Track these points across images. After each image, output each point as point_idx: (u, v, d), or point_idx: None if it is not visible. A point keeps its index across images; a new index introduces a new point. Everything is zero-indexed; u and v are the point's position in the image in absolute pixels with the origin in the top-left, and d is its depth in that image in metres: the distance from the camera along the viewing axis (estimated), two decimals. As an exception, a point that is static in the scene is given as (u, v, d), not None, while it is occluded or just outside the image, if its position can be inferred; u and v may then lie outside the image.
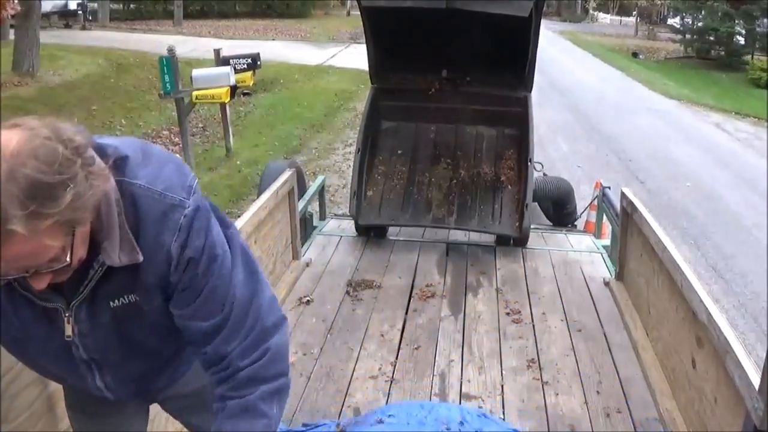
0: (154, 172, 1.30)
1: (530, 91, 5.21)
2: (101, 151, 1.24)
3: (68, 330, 1.35)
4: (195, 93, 9.15)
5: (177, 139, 11.27)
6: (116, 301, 1.35)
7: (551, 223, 6.69)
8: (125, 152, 1.29)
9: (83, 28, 25.15)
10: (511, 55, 4.98)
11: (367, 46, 5.25)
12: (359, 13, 5.01)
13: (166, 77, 8.94)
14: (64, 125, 1.14)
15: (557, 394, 3.23)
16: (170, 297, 1.39)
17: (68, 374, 1.49)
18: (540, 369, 3.45)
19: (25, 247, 1.08)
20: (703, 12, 28.78)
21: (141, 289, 1.35)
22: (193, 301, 1.39)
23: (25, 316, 1.34)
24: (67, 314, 1.33)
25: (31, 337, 1.38)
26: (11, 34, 16.29)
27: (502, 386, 3.30)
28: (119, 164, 1.27)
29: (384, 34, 5.07)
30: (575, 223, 6.79)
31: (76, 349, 1.40)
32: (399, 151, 5.46)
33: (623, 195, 4.27)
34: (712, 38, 28.00)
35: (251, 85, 10.56)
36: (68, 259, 1.16)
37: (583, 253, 5.18)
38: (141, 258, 1.27)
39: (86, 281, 1.29)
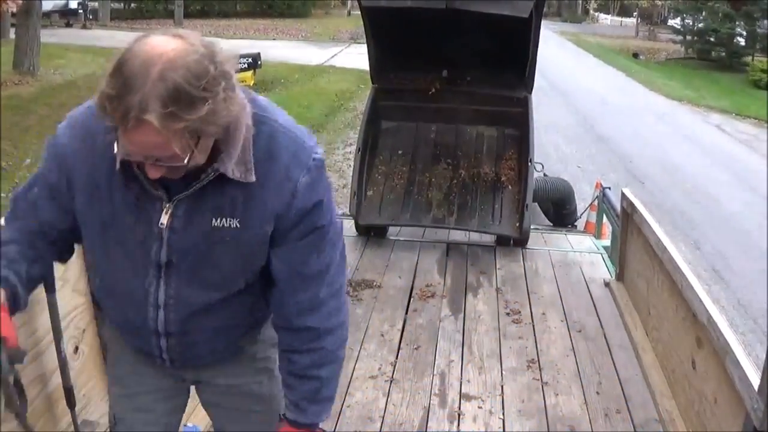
0: (290, 121, 1.48)
1: (531, 92, 5.20)
2: (246, 90, 1.37)
3: (164, 218, 1.40)
4: (195, 92, 9.14)
5: (177, 138, 11.27)
6: (219, 220, 1.41)
7: (551, 224, 6.69)
8: (265, 100, 1.48)
9: (84, 27, 25.18)
10: (511, 55, 4.98)
11: (367, 46, 5.25)
12: (360, 13, 5.01)
13: (167, 77, 8.94)
14: (220, 50, 1.26)
15: (557, 395, 3.23)
16: (281, 232, 1.45)
17: (135, 278, 1.48)
18: (540, 369, 3.45)
19: (154, 139, 1.21)
20: (703, 13, 28.82)
21: (250, 216, 1.41)
22: (307, 242, 1.47)
23: (123, 200, 1.41)
24: (167, 204, 1.39)
25: (119, 224, 1.43)
26: (12, 33, 16.31)
27: (502, 386, 3.30)
28: (260, 103, 1.43)
29: (384, 34, 5.07)
30: (575, 223, 6.79)
31: (158, 248, 1.43)
32: (399, 151, 5.46)
33: (623, 195, 4.27)
34: (712, 39, 28.03)
35: (252, 84, 10.58)
36: (186, 161, 1.27)
37: (583, 253, 5.18)
38: (253, 178, 1.37)
39: (196, 182, 1.37)
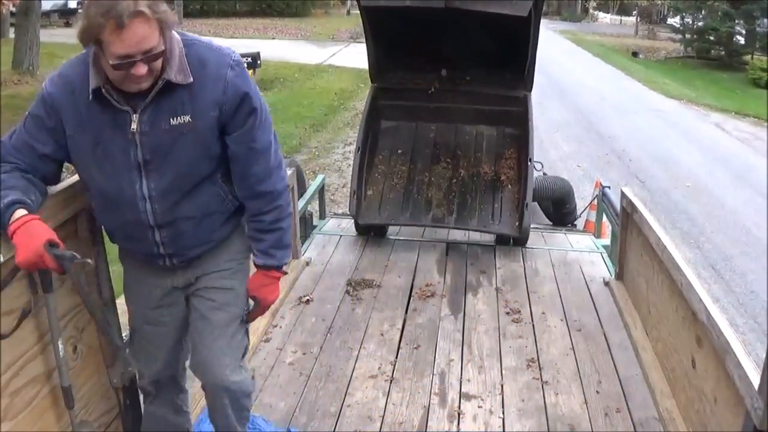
0: (209, 42, 1.99)
1: (530, 91, 5.20)
2: None
3: (134, 125, 1.83)
4: (195, 92, 9.14)
5: (177, 138, 11.27)
6: (175, 119, 1.85)
7: (551, 223, 6.69)
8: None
9: (83, 27, 25.14)
10: (510, 54, 4.98)
11: (366, 46, 5.24)
12: (359, 12, 5.00)
13: (166, 76, 8.93)
14: None
15: (557, 394, 3.23)
16: (223, 124, 1.93)
17: (123, 180, 1.89)
18: (540, 368, 3.45)
19: (145, 30, 1.69)
20: (703, 12, 28.78)
21: (197, 111, 1.87)
22: (250, 123, 1.97)
23: (102, 122, 1.84)
24: (134, 115, 1.83)
25: (103, 141, 1.85)
26: (11, 33, 16.29)
27: (502, 386, 3.30)
28: (185, 33, 1.95)
29: (384, 34, 5.06)
30: (575, 222, 6.79)
31: (135, 151, 1.86)
32: (399, 151, 5.45)
33: (623, 194, 4.27)
34: (712, 38, 27.99)
35: (251, 84, 10.55)
36: (162, 50, 1.75)
37: (582, 252, 5.18)
38: (191, 80, 1.85)
39: (152, 92, 1.82)
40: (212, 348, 2.13)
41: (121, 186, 1.89)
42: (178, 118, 1.85)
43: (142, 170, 1.88)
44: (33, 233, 1.73)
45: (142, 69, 1.73)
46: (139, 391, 2.35)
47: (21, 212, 1.75)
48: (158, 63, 1.77)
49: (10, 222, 1.74)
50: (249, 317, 2.23)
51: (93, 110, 1.83)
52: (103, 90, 1.80)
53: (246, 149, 1.98)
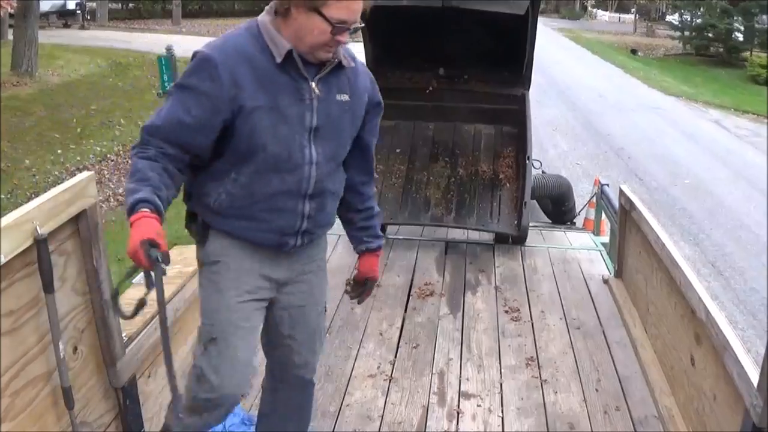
0: None
1: (528, 89, 5.20)
2: None
3: (315, 89, 1.94)
4: (193, 92, 9.14)
5: (176, 138, 11.27)
6: (340, 95, 2.01)
7: (550, 221, 6.69)
8: None
9: (82, 27, 25.18)
10: (508, 52, 4.98)
11: (364, 45, 5.24)
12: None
13: (165, 76, 8.95)
14: None
15: (556, 392, 3.23)
16: (369, 107, 2.13)
17: (294, 143, 1.96)
18: (539, 367, 3.45)
19: (362, 4, 1.88)
20: (701, 9, 28.78)
21: (354, 93, 2.05)
22: (378, 117, 2.22)
23: (282, 87, 1.92)
24: (312, 83, 1.94)
25: (280, 105, 1.92)
26: (10, 34, 16.30)
27: (501, 384, 3.30)
28: None
29: (381, 33, 5.06)
30: (574, 220, 6.79)
31: (310, 116, 1.96)
32: (397, 150, 5.46)
33: (621, 192, 4.27)
34: (710, 35, 28.01)
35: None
36: (360, 24, 1.90)
37: (581, 250, 5.18)
38: (354, 65, 2.04)
39: (326, 67, 1.96)
40: (310, 345, 2.27)
41: (292, 149, 1.96)
42: (342, 95, 2.01)
43: (311, 135, 1.98)
44: (140, 230, 1.79)
45: (346, 36, 1.89)
46: (213, 409, 2.15)
47: (143, 209, 1.80)
48: (340, 48, 1.95)
49: (134, 213, 1.81)
50: (362, 298, 2.41)
51: (275, 75, 1.91)
52: (294, 53, 1.89)
53: (372, 138, 2.21)
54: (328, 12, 1.81)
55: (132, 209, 1.81)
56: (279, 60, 1.88)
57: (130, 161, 1.94)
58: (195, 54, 1.93)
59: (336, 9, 1.82)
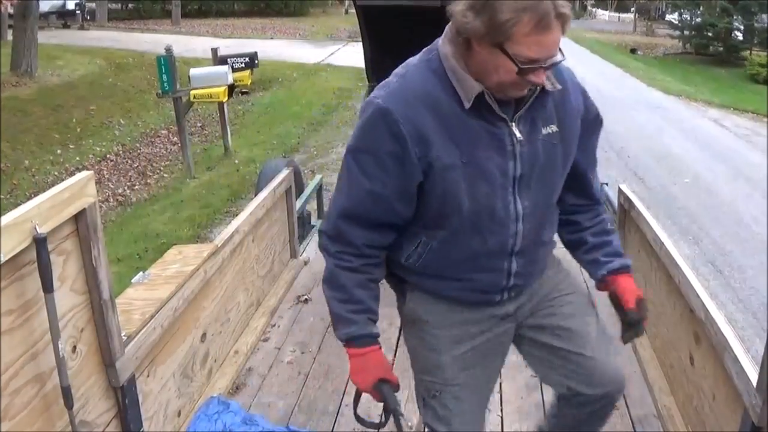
0: None
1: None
2: None
3: (516, 132, 1.63)
4: (193, 92, 9.16)
5: (176, 138, 11.30)
6: (546, 128, 1.68)
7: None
8: None
9: (81, 28, 25.19)
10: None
11: (362, 45, 5.24)
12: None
13: (164, 77, 8.95)
14: None
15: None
16: (585, 127, 1.79)
17: (497, 199, 1.67)
18: (538, 366, 3.45)
19: (558, 36, 1.50)
20: (701, 8, 28.80)
21: (563, 120, 1.70)
22: (597, 133, 1.88)
23: (475, 134, 1.61)
24: (512, 123, 1.63)
25: (476, 157, 1.62)
26: (9, 35, 16.30)
27: (500, 384, 3.29)
28: None
29: (379, 33, 5.07)
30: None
31: (513, 164, 1.65)
32: (397, 149, 5.46)
33: (620, 191, 4.26)
34: (710, 34, 28.04)
35: (249, 84, 10.57)
36: (563, 56, 1.56)
37: (581, 249, 5.16)
38: (559, 87, 1.66)
39: (528, 100, 1.63)
40: (600, 352, 1.92)
41: (494, 207, 1.66)
42: (548, 127, 1.68)
43: (516, 187, 1.67)
44: (368, 367, 1.75)
45: (542, 77, 1.55)
46: None
47: (364, 345, 1.75)
48: (550, 71, 1.60)
49: (350, 346, 1.76)
50: (635, 335, 1.98)
51: (466, 121, 1.59)
52: (486, 95, 1.57)
53: (591, 158, 1.88)
54: (512, 49, 1.47)
55: (349, 342, 1.75)
56: (467, 105, 1.57)
57: (325, 262, 1.75)
58: (368, 105, 1.64)
59: (523, 45, 1.47)
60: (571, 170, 1.79)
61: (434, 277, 1.80)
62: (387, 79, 1.68)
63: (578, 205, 1.90)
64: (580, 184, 1.87)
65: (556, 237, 1.93)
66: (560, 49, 1.55)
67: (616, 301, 1.92)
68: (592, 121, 1.83)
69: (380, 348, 1.76)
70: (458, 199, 1.64)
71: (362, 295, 1.73)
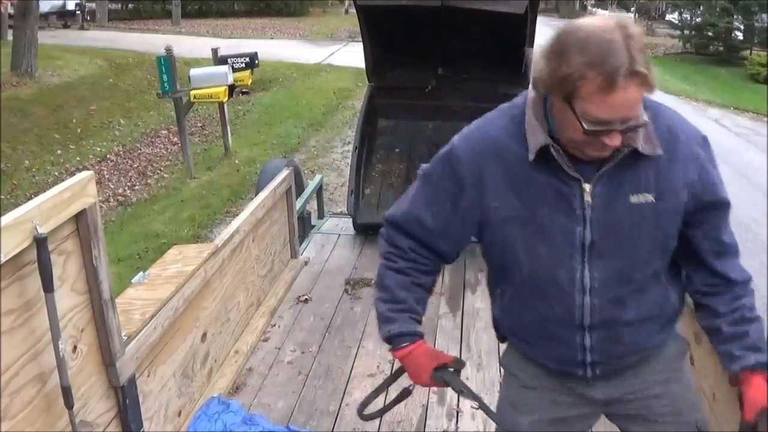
0: (676, 111, 1.59)
1: (527, 88, 5.19)
2: None
3: (587, 197, 1.48)
4: (193, 92, 9.15)
5: (176, 138, 11.30)
6: (636, 196, 1.49)
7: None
8: None
9: (81, 28, 25.19)
10: (507, 52, 4.98)
11: (363, 45, 5.25)
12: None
13: (164, 77, 8.95)
14: None
15: (555, 391, 3.23)
16: (689, 212, 1.54)
17: (560, 265, 1.54)
18: (538, 366, 3.45)
19: (635, 95, 1.33)
20: (701, 7, 28.76)
21: (663, 190, 1.49)
22: (721, 216, 1.60)
23: (539, 192, 1.50)
24: (586, 185, 1.47)
25: (537, 218, 1.51)
26: (9, 35, 16.31)
27: (500, 384, 3.29)
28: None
29: (380, 32, 5.08)
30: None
31: (582, 230, 1.51)
32: (396, 149, 5.47)
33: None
34: (710, 34, 27.99)
35: (249, 84, 10.57)
36: (644, 118, 1.39)
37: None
38: (661, 152, 1.46)
39: (612, 161, 1.45)
40: None
41: (556, 273, 1.55)
42: (639, 195, 1.48)
43: (586, 255, 1.53)
44: (419, 363, 1.66)
45: (617, 140, 1.38)
46: None
47: (406, 343, 1.66)
48: (634, 134, 1.42)
49: (397, 348, 1.69)
50: None
51: (531, 175, 1.49)
52: (552, 149, 1.45)
53: (715, 240, 1.62)
54: (579, 106, 1.34)
55: (392, 343, 1.68)
56: (531, 158, 1.46)
57: (380, 262, 1.72)
58: (451, 141, 1.63)
59: (590, 104, 1.33)
60: (689, 249, 1.61)
61: (520, 338, 1.75)
62: (475, 120, 1.63)
63: (709, 287, 1.66)
64: (704, 265, 1.64)
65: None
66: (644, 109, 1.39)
67: (741, 402, 1.67)
68: (710, 203, 1.56)
69: (424, 341, 1.69)
70: (517, 256, 1.57)
71: (405, 296, 1.67)
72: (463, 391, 1.67)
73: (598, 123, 1.34)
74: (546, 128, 1.47)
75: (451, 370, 1.67)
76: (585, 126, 1.35)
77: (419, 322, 1.69)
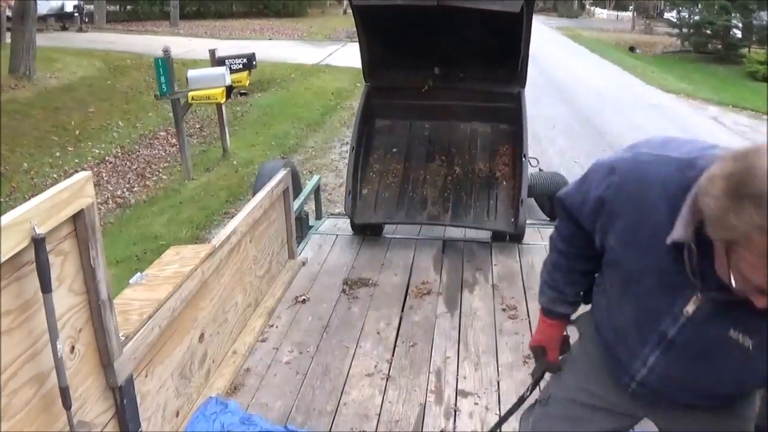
0: None
1: (524, 87, 5.21)
2: None
3: (690, 307, 1.43)
4: (191, 94, 9.16)
5: (174, 140, 11.31)
6: (736, 333, 1.39)
7: (548, 219, 6.70)
8: None
9: (80, 30, 25.18)
10: (504, 51, 4.99)
11: (359, 45, 5.25)
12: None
13: (162, 78, 8.95)
14: None
15: (552, 389, 3.24)
16: None
17: (634, 334, 1.57)
18: (536, 364, 3.46)
19: None
20: (699, 5, 28.78)
21: (762, 341, 1.37)
22: None
23: (656, 266, 1.45)
24: (698, 294, 1.40)
25: (642, 284, 1.49)
26: (8, 37, 16.31)
27: (498, 382, 3.31)
28: None
29: (376, 33, 5.08)
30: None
31: (668, 326, 1.48)
32: (393, 149, 5.47)
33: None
34: (708, 32, 28.00)
35: (247, 85, 10.57)
36: None
37: (579, 248, 5.18)
38: None
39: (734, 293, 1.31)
40: None
41: (627, 337, 1.59)
42: (740, 335, 1.39)
43: (661, 346, 1.52)
44: (542, 331, 1.94)
45: (763, 302, 1.24)
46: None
47: (546, 316, 1.91)
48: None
49: (541, 312, 1.92)
50: None
51: (657, 249, 1.40)
52: (686, 251, 1.36)
53: None
54: (735, 259, 1.22)
55: (541, 309, 1.92)
56: (668, 241, 1.36)
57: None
58: (620, 152, 1.58)
59: (747, 264, 1.20)
60: None
61: (599, 317, 1.79)
62: (648, 145, 1.53)
63: None
64: None
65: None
66: None
67: None
68: None
69: (561, 324, 1.90)
70: (608, 294, 1.67)
71: (558, 277, 1.83)
72: (533, 376, 2.05)
73: (746, 281, 1.23)
74: (697, 222, 1.31)
75: (544, 359, 1.97)
76: (734, 282, 1.25)
77: (568, 303, 1.87)
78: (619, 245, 1.52)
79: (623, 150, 1.57)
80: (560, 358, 1.97)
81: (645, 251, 1.45)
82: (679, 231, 1.34)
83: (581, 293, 1.87)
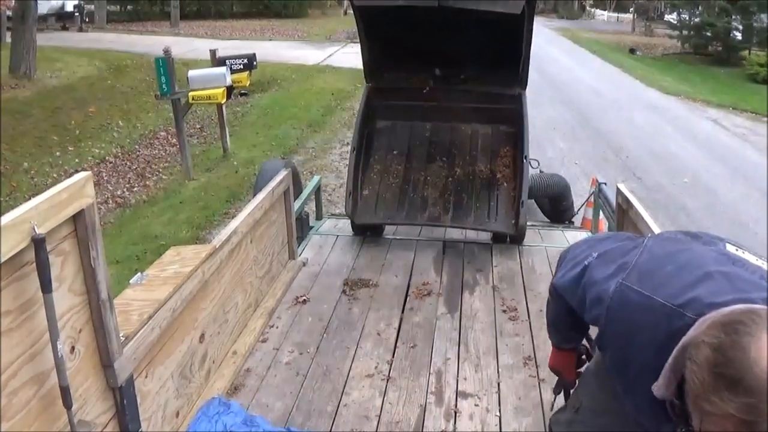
0: None
1: (525, 89, 5.21)
2: None
3: None
4: (191, 94, 9.16)
5: (174, 140, 11.31)
6: None
7: (548, 220, 6.71)
8: None
9: (80, 30, 25.19)
10: (504, 52, 4.99)
11: (360, 46, 5.25)
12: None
13: (163, 78, 8.95)
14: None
15: (553, 391, 3.24)
16: None
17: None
18: (536, 366, 3.46)
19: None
20: (700, 7, 28.79)
21: None
22: None
23: (640, 404, 1.52)
24: (681, 430, 1.37)
25: (629, 407, 1.61)
26: (8, 37, 16.31)
27: (499, 384, 3.31)
28: None
29: (377, 33, 5.08)
30: (572, 219, 6.80)
31: None
32: (394, 150, 5.47)
33: (618, 191, 4.28)
34: (709, 34, 28.01)
35: (247, 85, 10.57)
36: None
37: (579, 249, 5.17)
38: None
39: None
40: None
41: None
42: None
43: None
44: (554, 357, 2.21)
45: None
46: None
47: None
48: None
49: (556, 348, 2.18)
50: None
51: (642, 383, 1.44)
52: (669, 407, 1.39)
53: None
54: (705, 427, 1.20)
55: (559, 345, 2.19)
56: (656, 393, 1.39)
57: None
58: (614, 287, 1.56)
59: (712, 426, 1.19)
60: None
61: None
62: (637, 271, 1.54)
63: None
64: None
65: None
66: None
67: None
68: None
69: (572, 353, 2.17)
70: (590, 401, 1.98)
71: (560, 326, 2.09)
72: (555, 390, 2.38)
73: None
74: (679, 378, 1.31)
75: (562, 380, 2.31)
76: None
77: (571, 340, 2.14)
78: (611, 367, 1.63)
79: (610, 271, 1.60)
80: (578, 371, 2.22)
81: (632, 384, 1.53)
82: (661, 390, 1.36)
83: (588, 328, 2.04)
